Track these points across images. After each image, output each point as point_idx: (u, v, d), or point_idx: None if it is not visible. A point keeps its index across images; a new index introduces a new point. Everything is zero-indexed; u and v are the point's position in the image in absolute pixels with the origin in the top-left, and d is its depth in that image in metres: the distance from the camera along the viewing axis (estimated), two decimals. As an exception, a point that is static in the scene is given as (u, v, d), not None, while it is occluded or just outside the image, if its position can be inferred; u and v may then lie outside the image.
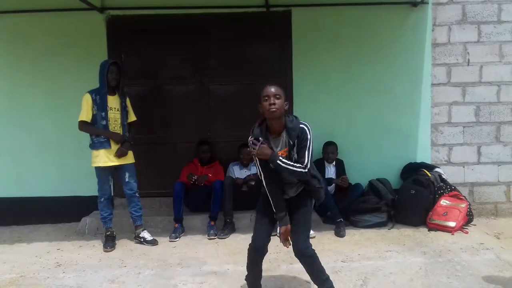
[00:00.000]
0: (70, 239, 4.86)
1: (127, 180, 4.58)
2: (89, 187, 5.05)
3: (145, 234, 4.63)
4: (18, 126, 5.49)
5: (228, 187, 4.93)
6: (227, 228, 4.83)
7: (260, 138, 2.91)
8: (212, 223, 4.88)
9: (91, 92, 4.42)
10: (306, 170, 2.91)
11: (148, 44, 5.50)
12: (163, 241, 4.65)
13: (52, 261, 4.17)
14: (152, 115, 5.55)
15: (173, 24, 5.42)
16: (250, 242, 3.11)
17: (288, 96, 5.34)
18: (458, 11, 5.40)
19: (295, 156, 2.92)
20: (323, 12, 5.38)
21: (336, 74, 5.45)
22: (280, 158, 2.89)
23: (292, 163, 2.90)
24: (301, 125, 2.93)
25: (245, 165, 5.28)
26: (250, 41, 5.54)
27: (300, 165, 2.90)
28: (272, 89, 2.88)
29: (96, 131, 4.42)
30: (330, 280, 3.07)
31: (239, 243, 4.52)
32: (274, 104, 2.84)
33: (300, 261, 3.03)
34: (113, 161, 4.46)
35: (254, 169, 5.13)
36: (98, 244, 4.61)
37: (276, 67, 5.50)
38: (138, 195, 4.64)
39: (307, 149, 2.91)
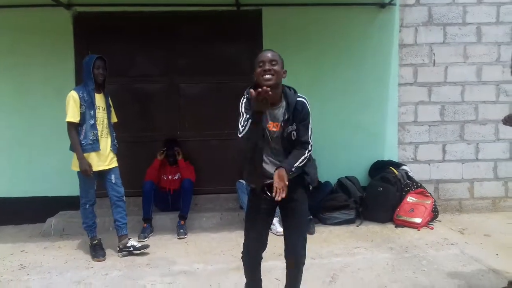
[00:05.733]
0: (34, 240, 4.72)
1: (113, 181, 4.20)
2: (55, 187, 4.92)
3: (133, 242, 4.23)
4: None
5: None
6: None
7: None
8: (182, 222, 4.84)
9: (77, 89, 4.06)
10: (310, 150, 2.64)
11: (116, 42, 5.40)
12: (132, 241, 4.59)
13: (16, 263, 4.05)
14: (120, 114, 5.42)
15: (142, 21, 5.37)
16: (242, 250, 2.77)
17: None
18: (424, 13, 5.54)
19: (294, 133, 2.61)
20: (293, 12, 5.42)
21: (305, 73, 5.47)
22: (293, 167, 2.53)
23: (299, 161, 2.57)
24: (299, 98, 2.62)
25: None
26: (221, 40, 5.51)
27: (304, 156, 2.61)
28: (269, 54, 2.53)
29: (76, 147, 3.98)
30: None
31: (209, 242, 4.52)
32: (269, 70, 2.47)
33: (291, 267, 2.74)
34: (102, 166, 4.13)
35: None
36: (64, 245, 4.50)
37: (247, 66, 5.48)
38: (124, 199, 4.27)
39: (309, 125, 2.66)
